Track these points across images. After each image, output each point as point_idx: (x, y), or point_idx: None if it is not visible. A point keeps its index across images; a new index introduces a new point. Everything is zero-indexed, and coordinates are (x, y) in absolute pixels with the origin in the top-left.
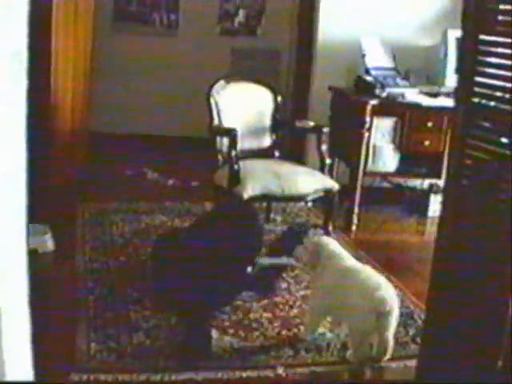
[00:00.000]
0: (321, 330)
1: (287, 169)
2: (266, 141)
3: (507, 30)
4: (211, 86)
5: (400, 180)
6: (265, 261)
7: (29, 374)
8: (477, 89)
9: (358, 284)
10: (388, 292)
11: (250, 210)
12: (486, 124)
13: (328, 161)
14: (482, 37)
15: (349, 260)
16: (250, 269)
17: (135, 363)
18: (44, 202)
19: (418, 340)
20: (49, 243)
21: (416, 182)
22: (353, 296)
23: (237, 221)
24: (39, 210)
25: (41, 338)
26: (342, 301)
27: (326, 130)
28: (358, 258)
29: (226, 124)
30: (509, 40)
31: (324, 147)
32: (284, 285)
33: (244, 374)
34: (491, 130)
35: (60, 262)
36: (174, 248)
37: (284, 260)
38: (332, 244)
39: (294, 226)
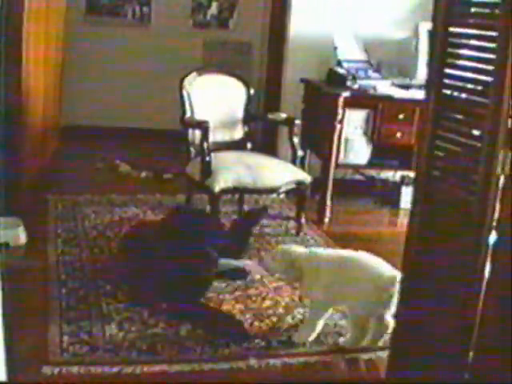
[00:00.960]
0: (293, 321)
1: (259, 161)
2: (238, 133)
3: (479, 22)
4: (183, 78)
5: (372, 172)
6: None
7: (1, 368)
8: (447, 81)
9: (365, 268)
10: (394, 272)
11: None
12: (458, 116)
13: (300, 153)
14: (453, 29)
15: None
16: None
17: (108, 356)
18: (16, 195)
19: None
20: (21, 236)
21: (388, 174)
22: (360, 280)
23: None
24: (11, 203)
25: (13, 331)
26: (346, 288)
27: (297, 122)
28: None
29: (199, 116)
30: (480, 32)
31: (296, 139)
32: (257, 276)
33: (216, 366)
34: (462, 122)
35: (32, 255)
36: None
37: (237, 263)
38: (299, 248)
39: (253, 208)
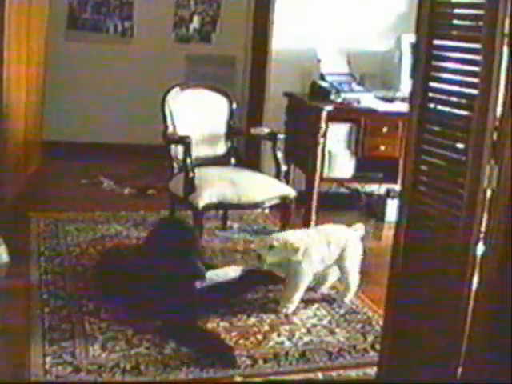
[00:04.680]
0: (278, 339)
1: (243, 176)
2: (222, 148)
3: (462, 34)
4: (165, 94)
5: (357, 185)
6: (212, 277)
7: None
8: (431, 94)
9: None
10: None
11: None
12: (442, 130)
13: (284, 167)
14: (437, 42)
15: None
16: (199, 284)
17: (91, 377)
18: None
19: (378, 347)
20: (3, 255)
21: (373, 187)
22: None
23: (176, 240)
24: None
25: None
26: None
27: (281, 136)
28: None
29: (181, 131)
30: (464, 44)
31: (279, 154)
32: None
33: None
34: (447, 136)
35: (15, 274)
36: (119, 266)
37: (231, 273)
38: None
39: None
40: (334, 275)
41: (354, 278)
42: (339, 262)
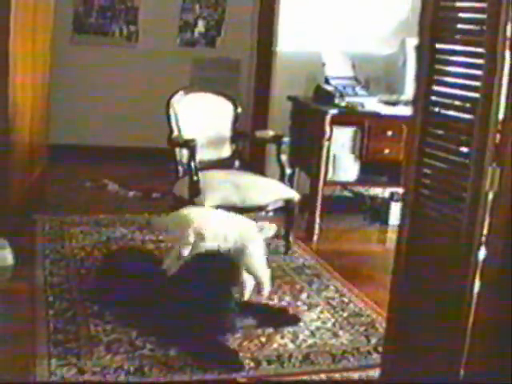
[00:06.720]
0: (282, 341)
1: (247, 179)
2: (226, 151)
3: (465, 38)
4: (170, 97)
5: (361, 189)
6: None
7: None
8: (434, 98)
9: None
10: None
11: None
12: (445, 133)
13: (288, 171)
14: (439, 45)
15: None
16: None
17: (96, 378)
18: (3, 216)
19: (381, 349)
20: (8, 257)
21: (377, 191)
22: None
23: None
24: None
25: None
26: None
27: (286, 139)
28: (320, 268)
29: (186, 135)
30: (468, 48)
31: (284, 157)
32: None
33: None
34: (450, 139)
35: (20, 277)
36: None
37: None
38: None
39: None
40: (250, 282)
41: (264, 273)
42: (244, 262)
